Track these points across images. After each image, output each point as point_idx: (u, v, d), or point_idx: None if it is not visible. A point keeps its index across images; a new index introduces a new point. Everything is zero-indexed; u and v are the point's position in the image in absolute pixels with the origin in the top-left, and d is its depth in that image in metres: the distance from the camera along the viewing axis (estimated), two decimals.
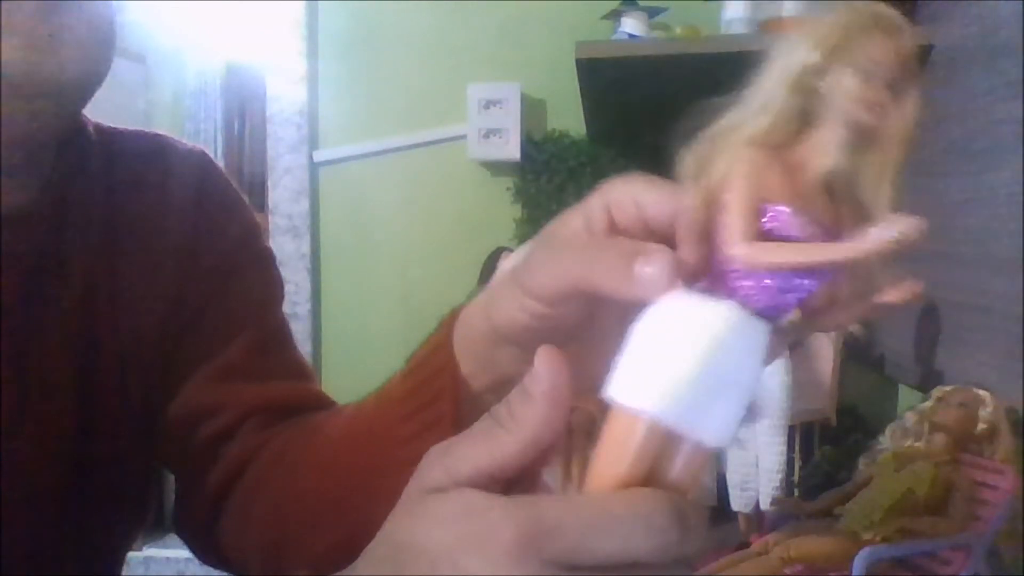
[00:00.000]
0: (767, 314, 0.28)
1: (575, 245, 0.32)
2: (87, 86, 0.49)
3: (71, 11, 0.45)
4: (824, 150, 0.29)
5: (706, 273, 0.30)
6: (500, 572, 0.26)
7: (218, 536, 0.58)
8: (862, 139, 0.29)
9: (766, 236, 0.28)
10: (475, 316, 0.40)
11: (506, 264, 0.35)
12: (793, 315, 0.30)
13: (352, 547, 0.31)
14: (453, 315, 0.42)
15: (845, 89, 0.28)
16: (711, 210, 0.29)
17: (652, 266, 0.28)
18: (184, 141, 0.64)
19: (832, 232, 0.29)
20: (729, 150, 0.30)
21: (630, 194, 0.33)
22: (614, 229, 0.34)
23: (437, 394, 0.42)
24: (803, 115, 0.29)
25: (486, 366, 0.40)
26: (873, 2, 0.29)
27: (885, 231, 0.26)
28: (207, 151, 0.65)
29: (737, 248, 0.28)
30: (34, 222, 0.53)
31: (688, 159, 0.31)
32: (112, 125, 0.61)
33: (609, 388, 0.28)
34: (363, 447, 0.47)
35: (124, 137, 0.61)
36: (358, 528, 0.32)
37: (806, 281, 0.28)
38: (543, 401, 0.28)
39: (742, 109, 0.30)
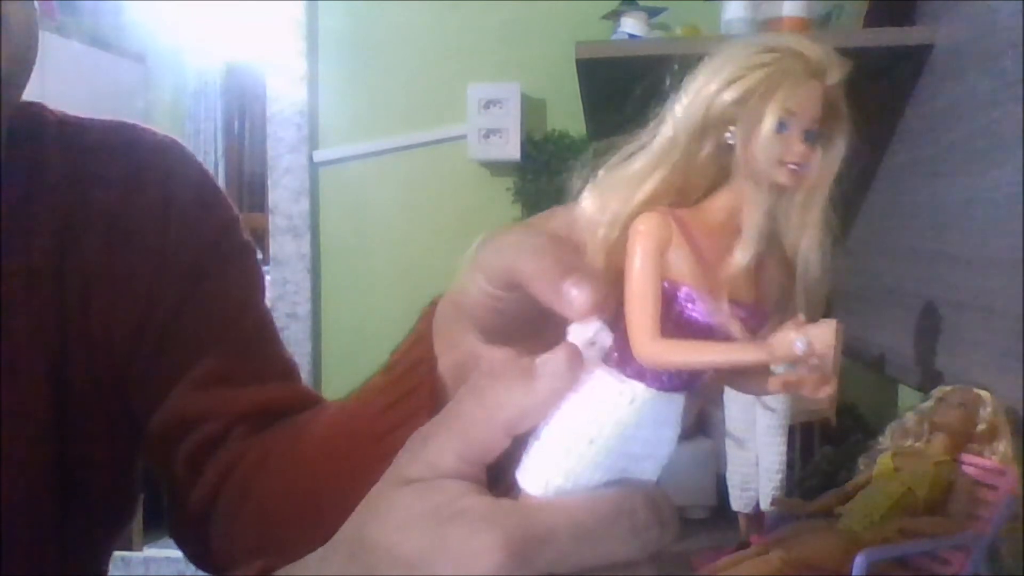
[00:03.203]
0: (680, 383, 0.27)
1: (535, 238, 0.31)
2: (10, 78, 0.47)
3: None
4: (741, 238, 0.26)
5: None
6: None
7: (209, 543, 0.57)
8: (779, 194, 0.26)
9: (680, 321, 0.26)
10: (448, 299, 0.39)
11: (480, 239, 0.34)
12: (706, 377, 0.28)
13: None
14: (433, 304, 0.41)
15: (761, 147, 0.25)
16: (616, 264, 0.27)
17: (579, 291, 0.27)
18: (156, 131, 0.60)
19: (753, 309, 0.26)
20: (626, 207, 0.27)
21: None
22: None
23: (415, 387, 0.41)
24: (712, 165, 0.27)
25: (452, 345, 0.39)
26: (799, 38, 0.26)
27: (798, 341, 0.24)
28: (179, 142, 0.61)
29: (642, 349, 0.25)
30: None
31: (586, 204, 0.28)
32: (80, 116, 0.58)
33: (519, 472, 0.27)
34: (344, 442, 0.46)
35: (89, 129, 0.58)
36: (339, 527, 0.30)
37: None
38: (538, 399, 0.26)
39: (644, 152, 0.27)
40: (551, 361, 0.26)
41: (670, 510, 0.27)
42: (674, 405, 0.27)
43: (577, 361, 0.26)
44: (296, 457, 0.51)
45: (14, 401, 0.52)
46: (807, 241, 0.26)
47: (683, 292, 0.26)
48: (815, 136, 0.26)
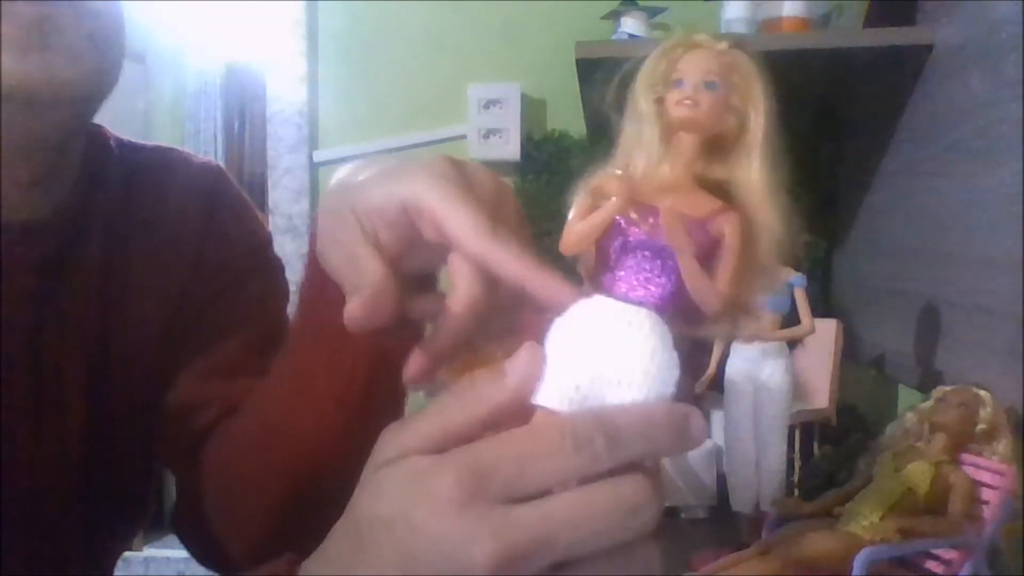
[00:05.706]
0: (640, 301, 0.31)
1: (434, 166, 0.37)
2: (87, 94, 0.49)
3: (67, 19, 0.45)
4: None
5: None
6: (448, 520, 0.27)
7: (202, 532, 0.59)
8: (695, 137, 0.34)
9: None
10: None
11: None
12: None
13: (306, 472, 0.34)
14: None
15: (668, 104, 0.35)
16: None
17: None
18: (200, 156, 0.67)
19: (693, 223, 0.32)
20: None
21: None
22: None
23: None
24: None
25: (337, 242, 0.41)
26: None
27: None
28: (221, 165, 0.67)
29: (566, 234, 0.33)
30: (55, 229, 0.55)
31: None
32: (132, 139, 0.64)
33: (535, 399, 0.30)
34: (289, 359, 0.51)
35: (144, 151, 0.64)
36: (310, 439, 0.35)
37: (653, 285, 0.32)
38: (510, 393, 0.30)
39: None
40: (517, 360, 0.30)
41: (631, 425, 0.29)
42: (634, 323, 0.30)
43: (538, 358, 0.30)
44: (258, 404, 0.55)
45: (52, 401, 0.55)
46: (753, 188, 0.33)
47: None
48: (716, 86, 0.35)
